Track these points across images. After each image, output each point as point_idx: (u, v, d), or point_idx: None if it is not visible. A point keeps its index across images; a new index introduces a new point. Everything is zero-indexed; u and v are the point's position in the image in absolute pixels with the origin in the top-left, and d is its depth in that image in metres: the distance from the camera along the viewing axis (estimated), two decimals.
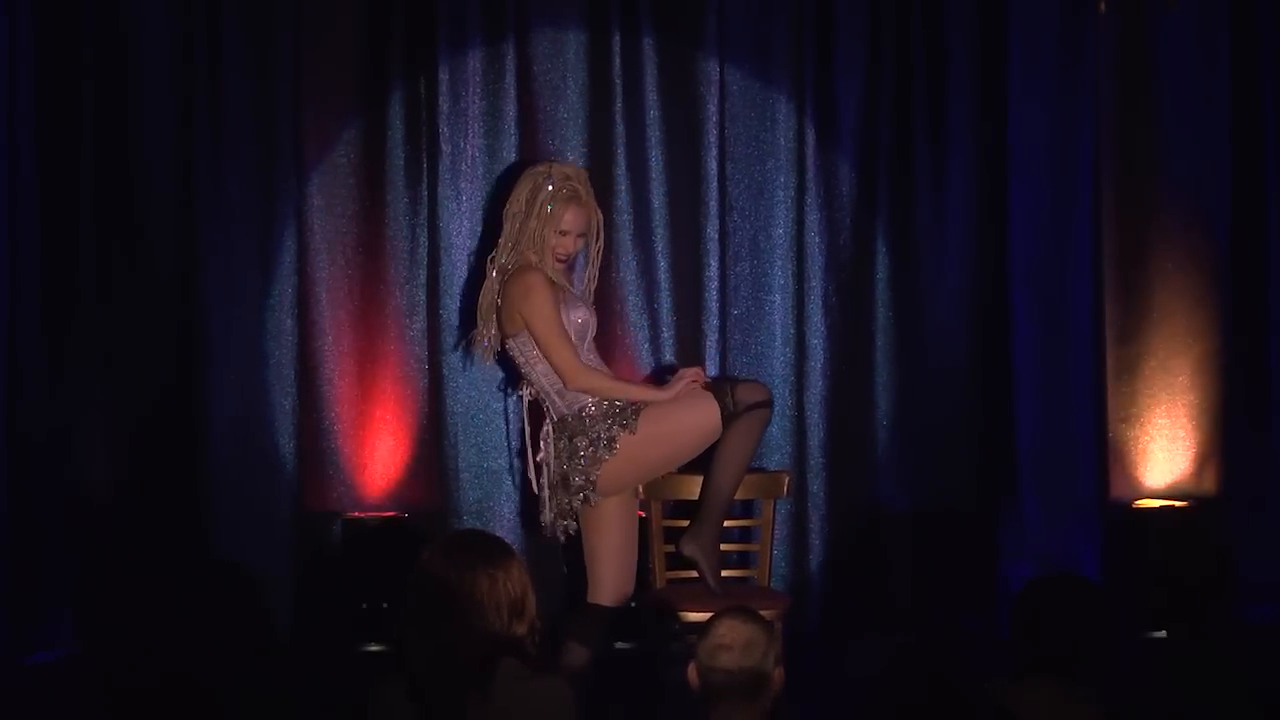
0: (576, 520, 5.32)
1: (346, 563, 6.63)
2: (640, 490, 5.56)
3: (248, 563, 6.51)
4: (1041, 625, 3.81)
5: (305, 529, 6.67)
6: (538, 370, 5.30)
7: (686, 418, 5.22)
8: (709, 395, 5.27)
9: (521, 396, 5.46)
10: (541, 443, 5.35)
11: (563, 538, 5.41)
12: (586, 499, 5.24)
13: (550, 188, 5.29)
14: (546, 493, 5.33)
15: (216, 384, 6.63)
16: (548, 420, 5.37)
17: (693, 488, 5.64)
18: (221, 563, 6.50)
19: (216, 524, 6.58)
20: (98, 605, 6.51)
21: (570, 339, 5.22)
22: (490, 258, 5.44)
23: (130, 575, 6.46)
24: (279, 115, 6.63)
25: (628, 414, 5.21)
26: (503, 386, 6.48)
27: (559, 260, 5.31)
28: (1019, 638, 3.84)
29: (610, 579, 5.29)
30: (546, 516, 5.36)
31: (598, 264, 5.52)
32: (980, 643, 6.59)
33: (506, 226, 5.33)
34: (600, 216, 5.41)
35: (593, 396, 5.25)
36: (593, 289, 5.60)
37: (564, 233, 5.28)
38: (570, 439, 5.25)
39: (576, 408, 5.26)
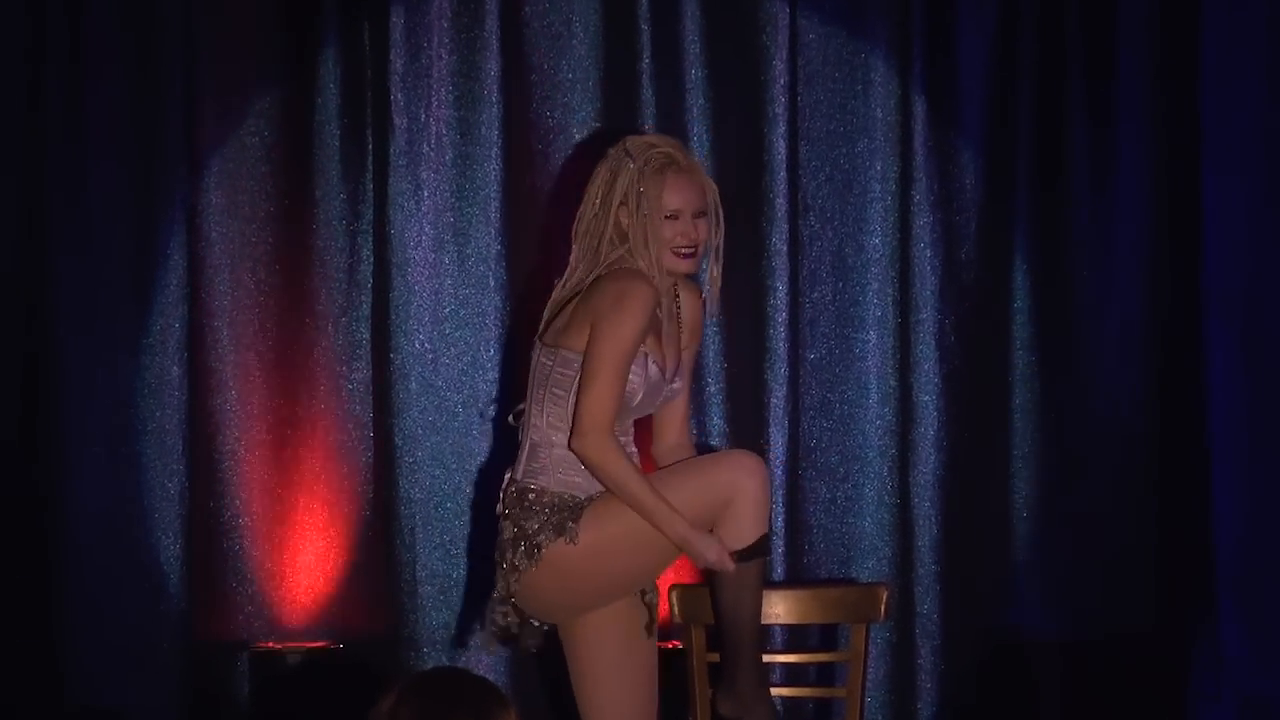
0: (505, 634, 4.84)
1: (256, 714, 6.17)
2: (675, 608, 5.11)
3: (118, 713, 6.13)
4: None
5: (198, 666, 6.20)
6: (552, 394, 4.73)
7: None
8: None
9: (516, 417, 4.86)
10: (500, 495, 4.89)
11: (490, 649, 5.27)
12: (507, 618, 4.75)
13: (632, 165, 4.71)
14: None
15: (73, 458, 6.17)
16: (509, 472, 4.82)
17: None
18: (83, 712, 6.09)
19: (73, 659, 6.13)
20: None
21: (622, 391, 4.68)
22: (557, 285, 4.90)
23: None
24: (163, 78, 6.21)
25: (568, 512, 4.69)
26: (479, 460, 6.28)
27: (683, 255, 4.71)
28: None
29: None
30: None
31: (719, 265, 4.85)
32: None
33: (577, 246, 4.81)
34: (716, 191, 4.81)
35: (595, 471, 4.65)
36: (714, 306, 4.84)
37: (673, 215, 4.67)
38: (509, 521, 4.75)
39: (531, 482, 4.73)
